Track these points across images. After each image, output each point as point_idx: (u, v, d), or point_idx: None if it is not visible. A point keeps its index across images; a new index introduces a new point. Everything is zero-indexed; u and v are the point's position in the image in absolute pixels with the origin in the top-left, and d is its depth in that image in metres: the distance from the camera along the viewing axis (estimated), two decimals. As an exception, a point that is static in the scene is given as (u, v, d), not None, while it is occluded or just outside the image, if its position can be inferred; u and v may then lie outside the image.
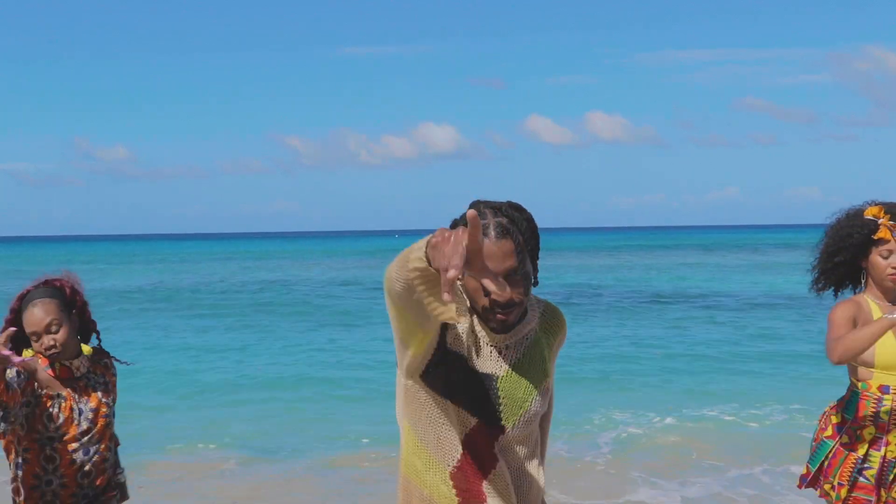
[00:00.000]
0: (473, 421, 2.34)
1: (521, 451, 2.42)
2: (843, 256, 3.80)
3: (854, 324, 3.68)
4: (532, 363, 2.43)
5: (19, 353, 3.42)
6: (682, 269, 40.26)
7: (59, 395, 3.41)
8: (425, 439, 2.38)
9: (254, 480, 7.64)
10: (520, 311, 2.35)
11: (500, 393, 2.36)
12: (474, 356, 2.35)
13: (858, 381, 3.79)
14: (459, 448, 2.36)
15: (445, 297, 1.81)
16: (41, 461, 3.40)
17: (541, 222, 2.41)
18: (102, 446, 3.50)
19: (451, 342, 2.33)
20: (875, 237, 3.73)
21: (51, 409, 3.38)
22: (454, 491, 2.37)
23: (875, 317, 3.69)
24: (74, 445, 3.42)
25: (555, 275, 36.01)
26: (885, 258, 3.72)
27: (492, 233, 2.24)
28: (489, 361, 2.37)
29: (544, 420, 2.60)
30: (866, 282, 3.82)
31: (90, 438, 3.46)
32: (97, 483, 3.49)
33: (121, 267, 52.58)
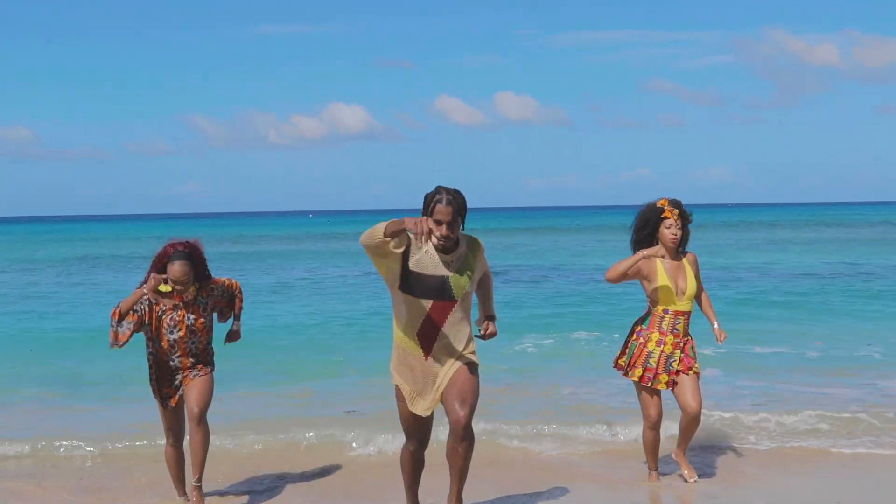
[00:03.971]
0: (430, 303, 5.02)
1: (460, 314, 5.09)
2: (647, 230, 6.39)
3: (640, 275, 6.33)
4: (464, 268, 5.11)
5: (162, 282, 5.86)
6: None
7: (175, 308, 5.88)
8: (403, 319, 5.09)
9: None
10: (453, 242, 5.04)
11: (451, 284, 5.05)
12: (432, 268, 5.01)
13: (652, 306, 6.41)
14: (422, 319, 5.03)
15: (423, 240, 4.96)
16: (167, 349, 5.90)
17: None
18: (202, 338, 6.00)
19: (414, 265, 4.99)
20: (662, 216, 6.35)
21: (171, 315, 5.88)
22: (417, 342, 5.09)
23: (659, 270, 6.32)
24: (185, 339, 5.92)
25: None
26: (668, 229, 6.34)
27: (444, 199, 4.95)
28: (441, 269, 5.05)
29: (486, 286, 5.34)
30: (658, 244, 6.38)
31: (195, 334, 5.94)
32: (200, 357, 6.01)
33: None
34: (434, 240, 4.94)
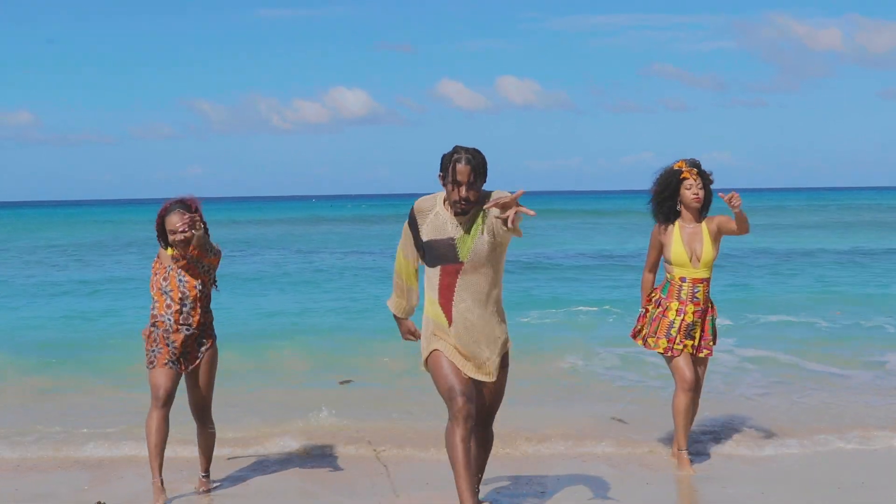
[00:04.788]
0: (439, 268, 4.76)
1: (473, 277, 4.73)
2: (667, 193, 6.14)
3: (658, 252, 6.24)
4: (474, 227, 4.75)
5: (165, 247, 5.62)
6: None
7: (170, 267, 5.57)
8: (427, 288, 4.84)
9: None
10: (474, 206, 4.72)
11: (457, 245, 4.74)
12: (441, 230, 4.75)
13: (668, 274, 6.22)
14: (436, 286, 4.77)
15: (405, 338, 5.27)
16: (164, 308, 5.56)
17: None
18: (197, 306, 5.59)
19: (427, 234, 4.78)
20: (681, 178, 6.11)
21: (166, 274, 5.58)
22: (440, 308, 4.78)
23: (674, 235, 6.12)
24: (180, 297, 5.55)
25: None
26: (689, 189, 6.09)
27: (464, 159, 4.63)
28: (448, 229, 4.74)
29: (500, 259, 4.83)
30: (680, 210, 6.17)
31: (189, 300, 5.57)
32: (196, 326, 5.60)
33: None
34: (460, 209, 4.68)
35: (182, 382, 5.70)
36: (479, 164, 4.64)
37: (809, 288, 17.00)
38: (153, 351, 5.61)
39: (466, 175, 4.61)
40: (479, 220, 4.72)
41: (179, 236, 5.51)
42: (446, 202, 4.75)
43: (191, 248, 5.46)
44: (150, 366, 5.59)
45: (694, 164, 6.16)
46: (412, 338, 5.14)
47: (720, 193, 5.93)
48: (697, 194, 6.12)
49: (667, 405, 6.63)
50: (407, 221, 4.88)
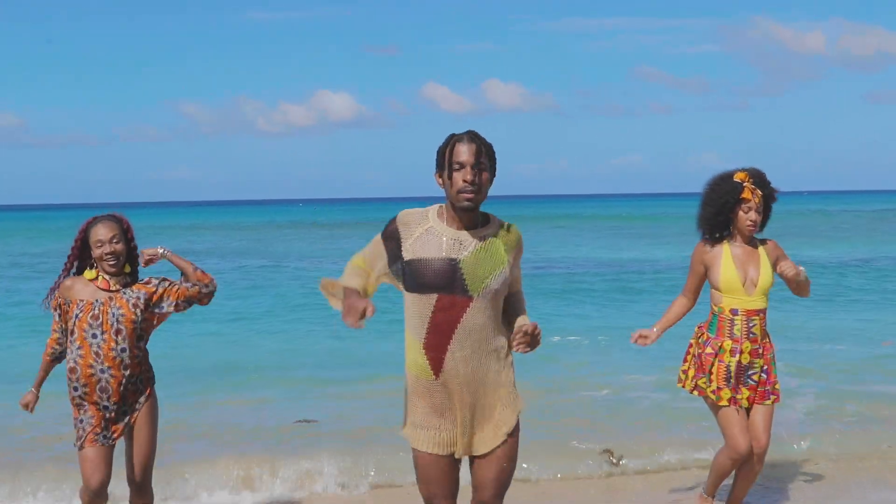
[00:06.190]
0: (434, 297, 3.50)
1: (481, 318, 3.53)
2: (724, 216, 4.99)
3: (703, 266, 5.08)
4: (490, 253, 3.57)
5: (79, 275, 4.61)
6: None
7: (98, 301, 4.50)
8: (408, 327, 3.59)
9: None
10: (480, 199, 3.55)
11: (462, 270, 3.52)
12: (436, 248, 3.53)
13: (715, 305, 5.05)
14: (426, 321, 3.52)
15: (349, 321, 3.45)
16: (92, 354, 4.46)
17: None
18: (131, 346, 4.51)
19: (411, 252, 3.56)
20: (741, 197, 4.94)
21: (93, 311, 4.49)
22: (427, 360, 3.54)
23: (724, 256, 5.00)
24: (112, 344, 4.47)
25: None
26: (746, 213, 4.95)
27: (465, 138, 3.54)
28: (452, 250, 3.54)
29: (516, 294, 3.73)
30: (732, 229, 5.04)
31: (122, 338, 4.48)
32: (133, 374, 4.55)
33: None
34: (467, 202, 3.53)
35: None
36: (484, 144, 3.57)
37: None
38: (81, 422, 4.52)
39: (472, 154, 3.51)
40: (503, 252, 3.61)
41: (107, 248, 4.47)
42: (442, 215, 3.62)
43: (184, 290, 4.61)
44: (79, 444, 4.51)
45: (758, 180, 5.02)
46: (361, 323, 3.45)
47: (778, 268, 4.99)
48: (754, 221, 5.00)
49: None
50: (381, 233, 3.66)
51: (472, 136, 3.55)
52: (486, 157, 3.55)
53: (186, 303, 4.60)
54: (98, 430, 4.47)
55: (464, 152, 3.51)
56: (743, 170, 5.00)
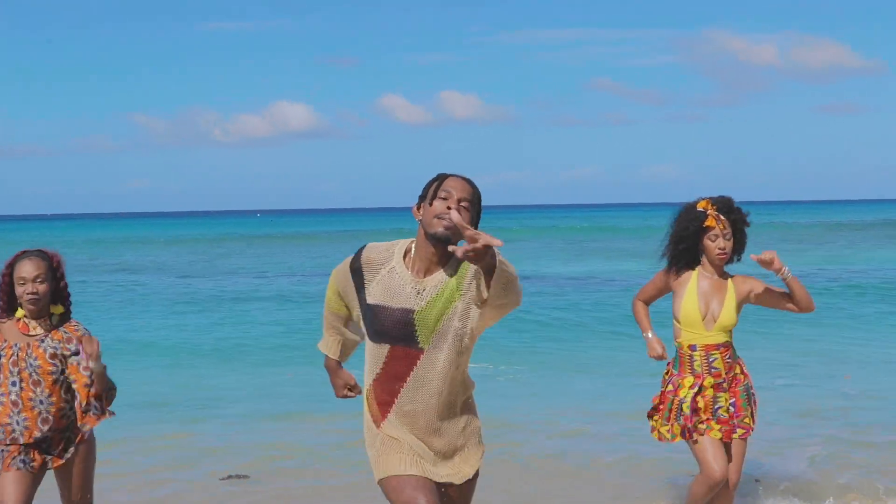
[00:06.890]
0: (385, 349, 3.41)
1: (436, 374, 3.38)
2: (686, 244, 4.85)
3: (659, 291, 5.04)
4: (441, 298, 3.35)
5: (11, 315, 4.27)
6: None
7: (16, 346, 4.21)
8: (366, 370, 3.50)
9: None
10: (457, 232, 3.23)
11: (416, 323, 3.36)
12: (396, 295, 3.38)
13: (675, 341, 4.96)
14: (377, 370, 3.45)
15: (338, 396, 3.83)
16: (9, 404, 4.17)
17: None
18: (54, 398, 4.21)
19: (374, 296, 3.42)
20: (704, 225, 4.79)
21: (13, 357, 4.19)
22: (374, 402, 3.47)
23: (689, 286, 4.86)
24: (31, 394, 4.18)
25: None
26: (713, 241, 4.79)
27: (459, 176, 3.42)
28: (410, 299, 3.37)
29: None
30: (702, 259, 4.89)
31: (41, 390, 4.18)
32: (57, 428, 4.24)
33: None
34: (443, 227, 3.31)
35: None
36: (477, 190, 3.45)
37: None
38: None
39: (463, 190, 3.36)
40: (454, 287, 3.35)
41: (29, 287, 4.16)
42: (408, 255, 3.44)
43: (90, 391, 4.22)
44: None
45: (723, 207, 4.86)
46: (350, 394, 3.77)
47: (752, 255, 4.73)
48: (723, 249, 4.82)
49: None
50: (349, 264, 3.52)
51: (468, 178, 3.44)
52: (475, 201, 3.41)
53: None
54: (16, 454, 4.18)
55: (456, 186, 3.36)
56: (706, 198, 4.91)
